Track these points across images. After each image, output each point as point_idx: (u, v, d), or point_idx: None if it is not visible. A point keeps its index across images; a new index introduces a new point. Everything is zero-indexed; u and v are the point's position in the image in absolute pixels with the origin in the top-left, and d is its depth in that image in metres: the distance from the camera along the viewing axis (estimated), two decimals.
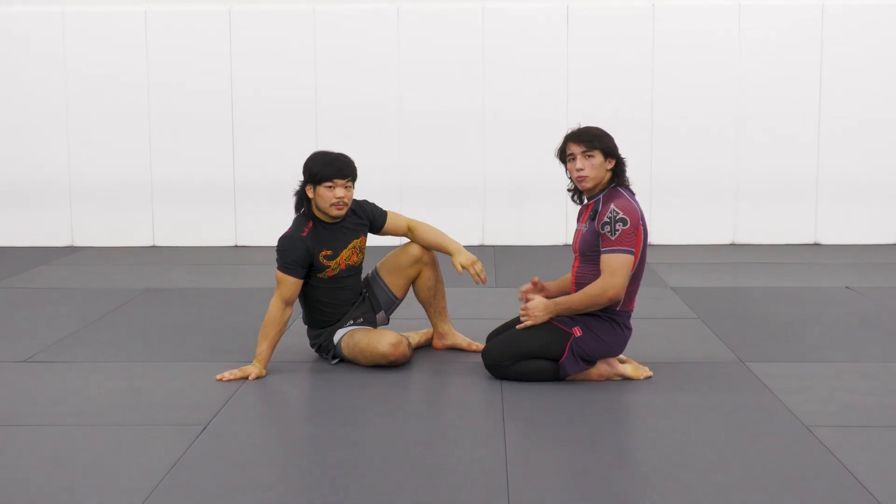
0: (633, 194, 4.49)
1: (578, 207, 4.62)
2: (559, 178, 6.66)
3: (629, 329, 4.51)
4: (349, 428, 3.90)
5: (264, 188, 8.68)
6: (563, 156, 4.48)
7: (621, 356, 4.58)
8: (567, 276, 4.69)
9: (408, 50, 8.63)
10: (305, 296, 4.77)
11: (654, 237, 8.64)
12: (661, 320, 5.73)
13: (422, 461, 3.54)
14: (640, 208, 4.41)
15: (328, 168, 4.55)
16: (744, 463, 3.48)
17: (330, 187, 4.56)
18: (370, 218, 4.85)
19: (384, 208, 4.93)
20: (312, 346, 4.87)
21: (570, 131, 4.49)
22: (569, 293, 4.53)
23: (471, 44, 8.61)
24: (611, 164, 4.42)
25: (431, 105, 8.66)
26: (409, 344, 4.79)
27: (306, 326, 4.90)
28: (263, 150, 8.72)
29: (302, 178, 4.66)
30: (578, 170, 4.40)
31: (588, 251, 4.41)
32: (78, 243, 8.88)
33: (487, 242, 8.75)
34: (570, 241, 8.57)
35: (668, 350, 5.04)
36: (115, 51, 8.69)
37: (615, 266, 4.28)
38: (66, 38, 8.70)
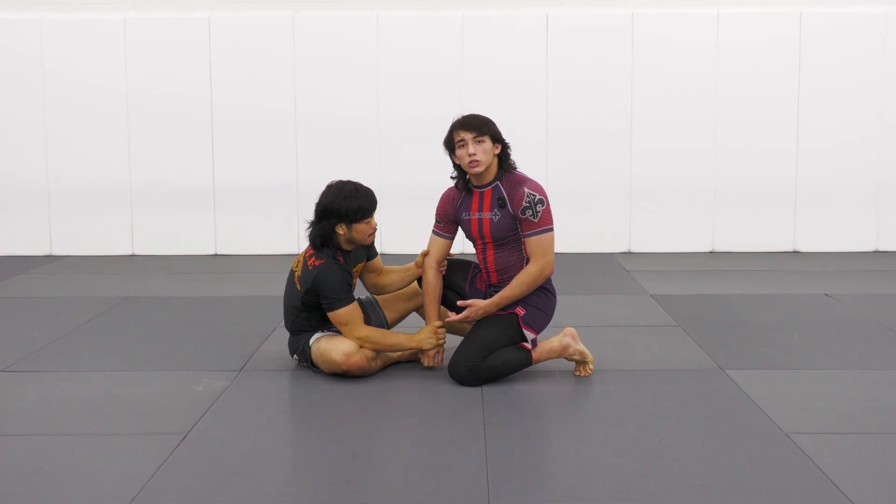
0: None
1: (468, 198, 4.72)
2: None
3: (554, 294, 4.73)
4: (329, 435, 3.89)
5: (244, 197, 8.65)
6: (451, 144, 4.64)
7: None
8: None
9: (387, 57, 8.64)
10: (299, 309, 4.74)
11: (634, 245, 8.68)
12: (641, 328, 5.75)
13: (403, 465, 3.54)
14: None
15: (368, 203, 4.63)
16: (723, 469, 3.49)
17: (368, 222, 4.65)
18: (367, 246, 4.89)
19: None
20: (292, 353, 4.85)
21: (456, 120, 4.67)
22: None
23: (450, 51, 8.63)
24: (498, 149, 4.61)
25: (411, 111, 8.66)
26: (369, 356, 4.66)
27: (289, 334, 4.89)
28: (243, 158, 8.69)
29: (320, 218, 4.63)
30: (471, 154, 4.56)
31: (504, 237, 4.58)
32: (57, 252, 8.83)
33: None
34: None
35: (648, 357, 5.06)
36: (94, 58, 8.66)
37: (546, 246, 4.53)
38: (45, 45, 8.65)
